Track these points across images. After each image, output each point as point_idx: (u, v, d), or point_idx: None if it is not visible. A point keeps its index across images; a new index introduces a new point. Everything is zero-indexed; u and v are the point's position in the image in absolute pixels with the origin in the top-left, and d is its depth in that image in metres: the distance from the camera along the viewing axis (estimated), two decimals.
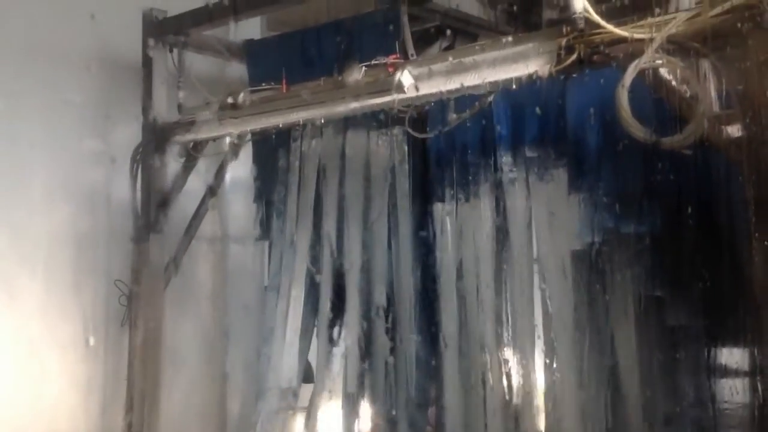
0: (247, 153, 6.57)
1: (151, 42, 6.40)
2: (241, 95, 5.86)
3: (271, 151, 6.32)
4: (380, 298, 5.72)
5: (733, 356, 4.85)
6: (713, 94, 4.09)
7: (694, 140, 3.96)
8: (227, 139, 6.41)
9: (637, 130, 3.98)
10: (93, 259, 6.56)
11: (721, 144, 4.02)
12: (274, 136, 6.23)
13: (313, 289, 6.02)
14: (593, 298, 4.98)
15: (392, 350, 5.72)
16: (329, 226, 5.90)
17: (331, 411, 5.98)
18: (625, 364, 4.90)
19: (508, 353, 5.31)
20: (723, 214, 4.56)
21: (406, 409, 5.61)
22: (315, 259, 6.00)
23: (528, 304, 5.20)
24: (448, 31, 5.64)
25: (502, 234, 5.30)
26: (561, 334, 5.06)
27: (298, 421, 6.20)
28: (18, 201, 6.20)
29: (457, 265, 5.46)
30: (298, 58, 5.95)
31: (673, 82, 4.12)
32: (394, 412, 5.65)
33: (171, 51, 6.40)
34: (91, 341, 6.51)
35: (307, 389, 6.15)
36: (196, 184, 6.66)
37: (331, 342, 5.95)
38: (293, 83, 5.54)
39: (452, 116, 5.13)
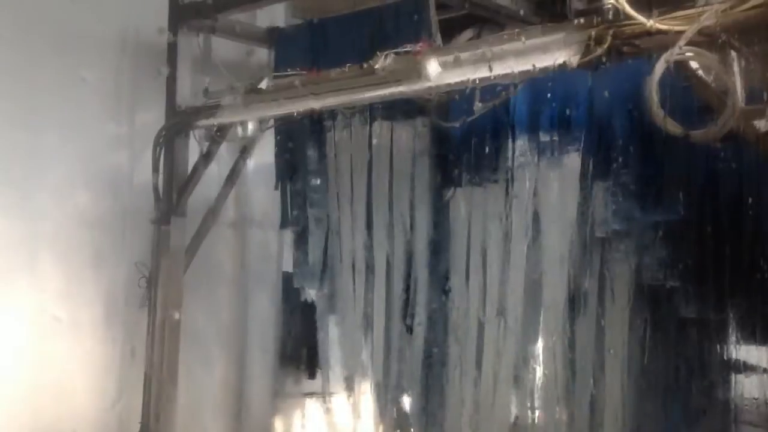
0: (270, 139, 6.60)
1: (177, 25, 6.42)
2: (266, 80, 5.87)
3: (297, 139, 6.35)
4: (400, 286, 5.78)
5: (752, 351, 4.87)
6: (744, 88, 4.06)
7: (724, 134, 3.94)
8: (251, 124, 6.44)
9: (667, 123, 3.96)
10: (114, 241, 6.59)
11: (751, 138, 4.00)
12: (299, 125, 6.27)
13: (350, 279, 6.06)
14: (607, 285, 4.99)
15: (410, 340, 5.76)
16: (361, 216, 5.95)
17: (359, 399, 6.03)
18: (636, 355, 4.91)
19: (517, 341, 5.31)
20: (747, 209, 4.57)
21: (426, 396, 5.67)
22: (354, 249, 6.04)
23: (542, 289, 5.20)
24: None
25: (518, 219, 5.30)
26: (574, 321, 5.06)
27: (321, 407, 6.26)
28: (40, 184, 6.24)
29: (470, 252, 5.47)
30: (325, 46, 5.97)
31: (704, 75, 4.10)
32: (418, 402, 5.71)
33: (197, 35, 6.42)
34: (111, 322, 6.55)
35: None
36: (218, 168, 6.68)
37: (363, 330, 5.99)
38: (320, 71, 5.54)
39: (477, 105, 5.11)
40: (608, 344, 4.94)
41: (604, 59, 4.26)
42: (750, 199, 4.60)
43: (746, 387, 4.90)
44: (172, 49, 6.44)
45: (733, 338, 4.90)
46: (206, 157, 6.51)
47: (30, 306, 6.17)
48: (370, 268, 5.98)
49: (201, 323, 6.90)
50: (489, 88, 4.98)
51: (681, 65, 4.08)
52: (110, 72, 6.66)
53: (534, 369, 5.22)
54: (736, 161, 4.52)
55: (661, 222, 4.78)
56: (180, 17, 6.42)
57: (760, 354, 4.75)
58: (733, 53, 4.10)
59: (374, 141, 5.93)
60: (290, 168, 6.45)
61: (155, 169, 6.41)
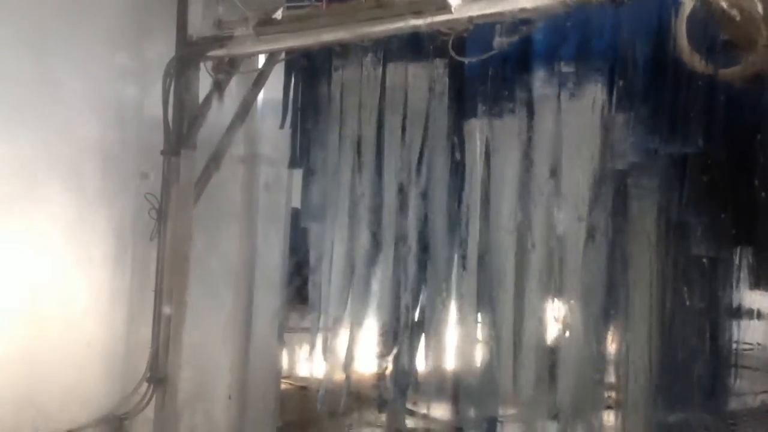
0: (280, 75, 6.50)
1: None
2: (280, 11, 5.77)
3: (309, 77, 6.25)
4: (414, 227, 5.74)
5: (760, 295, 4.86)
6: None
7: (752, 72, 3.88)
8: (263, 57, 6.33)
9: (694, 60, 3.90)
10: (124, 172, 6.53)
11: None
12: (309, 62, 6.16)
13: (354, 221, 6.02)
14: (623, 220, 4.94)
15: (423, 279, 5.75)
16: (369, 159, 5.89)
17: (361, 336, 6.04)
18: (650, 291, 4.88)
19: (531, 277, 5.27)
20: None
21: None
22: (356, 192, 5.99)
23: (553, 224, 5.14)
24: None
25: (533, 152, 5.22)
26: (589, 256, 5.01)
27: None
28: (48, 112, 6.11)
29: (486, 186, 5.41)
30: None
31: (733, 12, 4.01)
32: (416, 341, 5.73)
33: None
34: (121, 254, 6.54)
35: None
36: (229, 101, 6.59)
37: (367, 272, 5.97)
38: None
39: (497, 40, 5.02)
40: (630, 279, 4.90)
41: None
42: None
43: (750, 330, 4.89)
44: None
45: (744, 280, 4.89)
46: (217, 90, 6.42)
47: (36, 236, 6.10)
48: (378, 208, 5.93)
49: (210, 256, 6.89)
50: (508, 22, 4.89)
51: (711, 1, 4.00)
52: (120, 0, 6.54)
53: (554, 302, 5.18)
54: (761, 97, 4.44)
55: (679, 155, 4.71)
56: None
57: None
58: None
59: (387, 81, 5.83)
60: (299, 106, 6.36)
61: (165, 101, 6.33)
